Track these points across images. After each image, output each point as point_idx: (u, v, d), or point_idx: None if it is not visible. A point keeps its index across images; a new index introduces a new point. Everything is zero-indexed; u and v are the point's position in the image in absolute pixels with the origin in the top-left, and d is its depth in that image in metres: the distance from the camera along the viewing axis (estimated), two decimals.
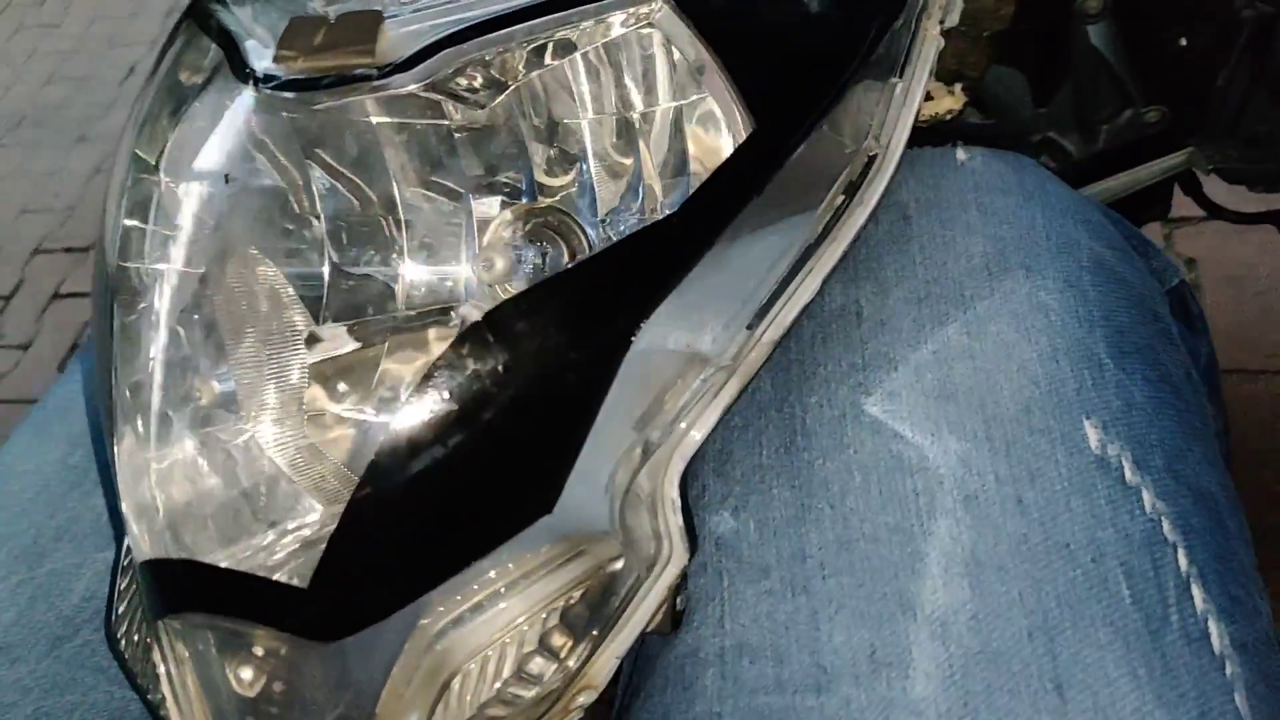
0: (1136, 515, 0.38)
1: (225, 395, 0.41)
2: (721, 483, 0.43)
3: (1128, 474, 0.39)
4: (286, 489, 0.39)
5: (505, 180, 0.43)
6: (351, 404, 0.39)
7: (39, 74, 2.53)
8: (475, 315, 0.36)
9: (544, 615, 0.37)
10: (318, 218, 0.41)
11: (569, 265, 0.39)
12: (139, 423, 0.40)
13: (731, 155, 0.38)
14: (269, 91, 0.39)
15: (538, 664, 0.38)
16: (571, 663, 0.38)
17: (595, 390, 0.37)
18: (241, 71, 0.39)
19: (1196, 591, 0.37)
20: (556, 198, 0.44)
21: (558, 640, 0.38)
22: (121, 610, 0.41)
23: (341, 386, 0.40)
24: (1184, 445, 0.41)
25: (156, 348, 0.41)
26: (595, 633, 0.38)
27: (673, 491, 0.39)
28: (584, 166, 0.43)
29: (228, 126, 0.41)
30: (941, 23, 0.45)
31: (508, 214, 0.44)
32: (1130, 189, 0.90)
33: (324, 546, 0.34)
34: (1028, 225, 0.46)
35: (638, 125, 0.42)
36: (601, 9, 0.39)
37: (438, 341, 0.39)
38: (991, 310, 0.43)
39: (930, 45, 0.44)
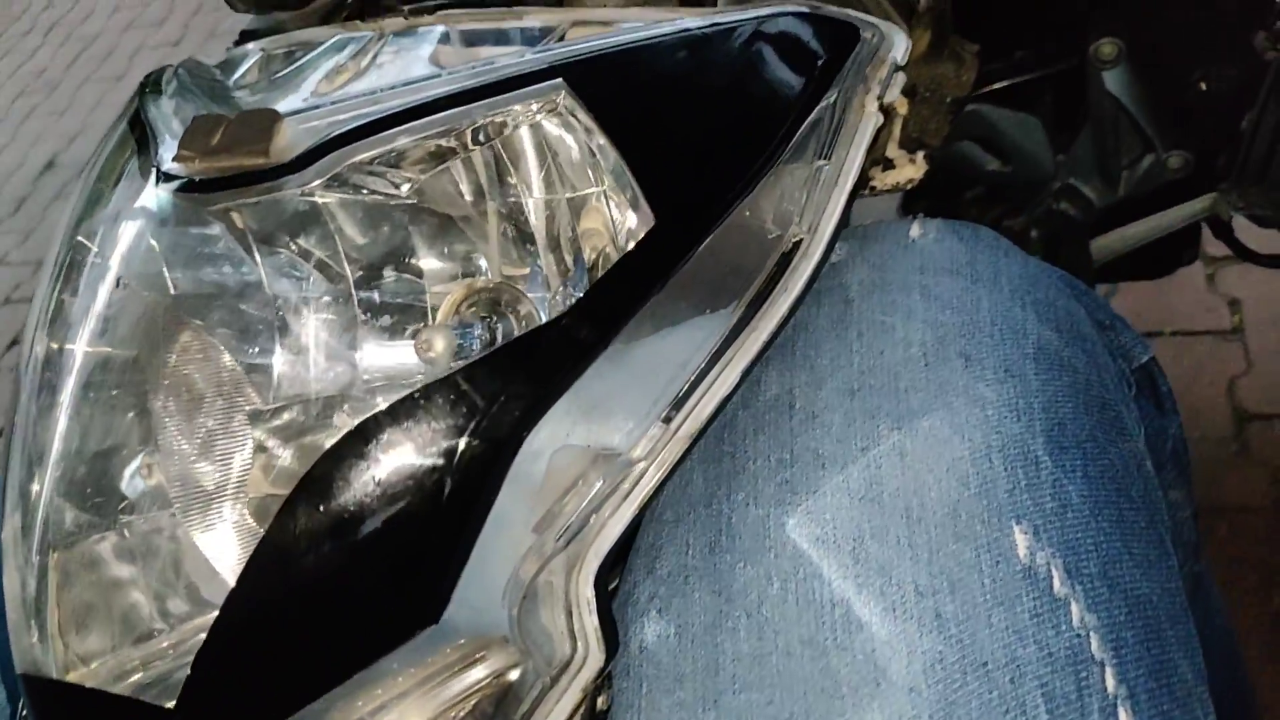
0: (1063, 630, 0.36)
1: (149, 486, 0.41)
2: (650, 581, 0.42)
3: (1056, 584, 0.37)
4: (189, 587, 0.39)
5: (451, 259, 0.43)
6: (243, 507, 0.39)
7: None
8: (350, 422, 0.36)
9: None
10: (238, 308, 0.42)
11: (451, 369, 0.38)
12: (40, 512, 0.40)
13: (632, 250, 0.37)
14: (165, 191, 0.39)
15: None
16: None
17: (482, 495, 0.36)
18: (146, 169, 0.40)
19: (1124, 715, 0.35)
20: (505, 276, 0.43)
21: None
22: None
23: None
24: (1122, 548, 0.39)
25: (70, 431, 0.41)
26: None
27: (587, 591, 0.38)
28: (531, 249, 0.43)
29: (136, 221, 0.41)
30: (881, 98, 0.44)
31: (459, 290, 0.44)
32: (1154, 235, 0.87)
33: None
34: (972, 310, 0.44)
35: (533, 214, 0.41)
36: (496, 104, 0.39)
37: (316, 445, 0.39)
38: (925, 404, 0.41)
39: (867, 122, 0.43)
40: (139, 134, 0.43)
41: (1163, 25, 0.80)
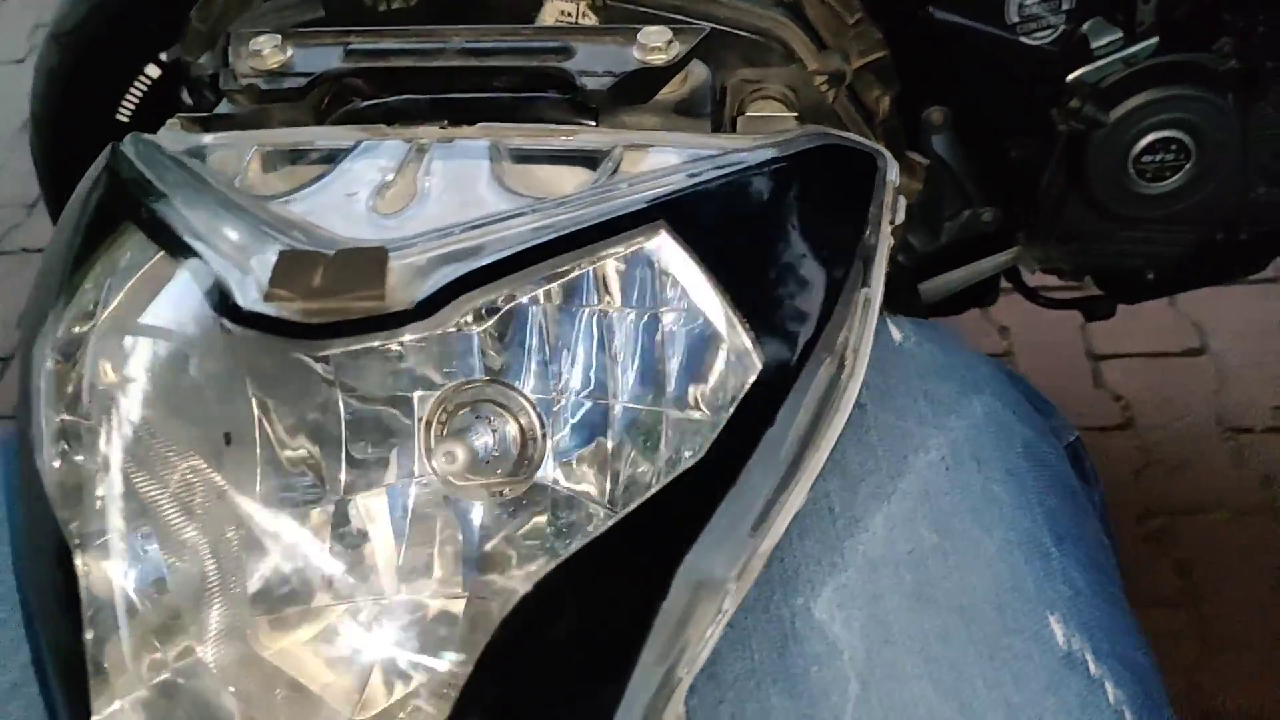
0: (1104, 709, 0.43)
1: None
2: (714, 686, 0.45)
3: (1091, 667, 0.44)
4: None
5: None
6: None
7: None
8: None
9: None
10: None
11: (605, 528, 0.39)
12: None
13: (752, 386, 0.40)
14: (255, 335, 0.38)
15: None
16: None
17: (635, 645, 0.38)
18: (231, 310, 0.38)
19: None
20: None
21: None
22: None
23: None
24: (1119, 622, 0.47)
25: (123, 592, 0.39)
26: None
27: (679, 708, 0.41)
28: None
29: (197, 357, 0.40)
30: (891, 222, 0.49)
31: (435, 396, 0.44)
32: (972, 280, 0.99)
33: None
34: (970, 415, 0.50)
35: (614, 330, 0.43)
36: (606, 246, 0.40)
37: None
38: (953, 506, 0.47)
39: (886, 246, 0.48)
40: (165, 240, 0.41)
41: (981, 98, 0.91)
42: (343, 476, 0.41)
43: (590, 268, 0.40)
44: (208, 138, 0.50)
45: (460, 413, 0.42)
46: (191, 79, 0.60)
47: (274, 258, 0.39)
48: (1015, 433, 0.50)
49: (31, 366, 0.43)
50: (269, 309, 0.38)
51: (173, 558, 0.40)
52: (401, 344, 0.39)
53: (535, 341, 0.42)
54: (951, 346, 0.54)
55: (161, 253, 0.42)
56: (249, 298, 0.38)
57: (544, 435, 0.42)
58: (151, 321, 0.41)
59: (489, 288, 0.38)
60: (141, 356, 0.42)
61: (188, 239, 0.41)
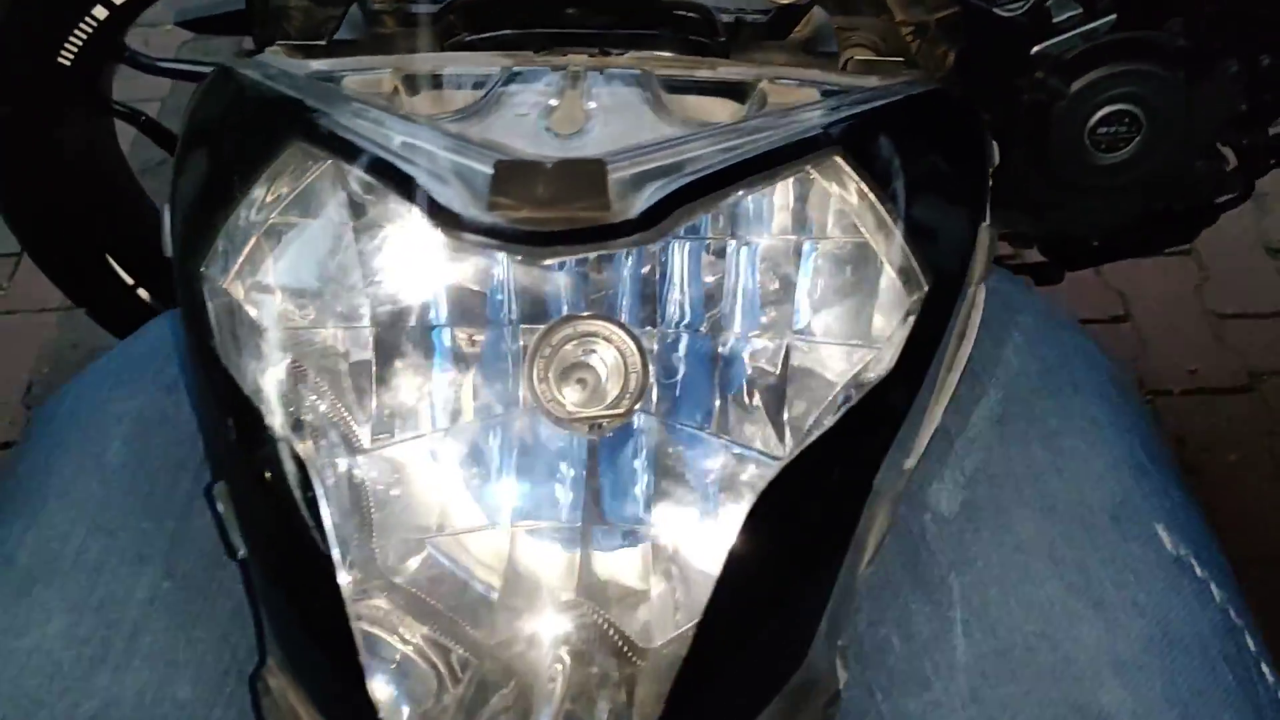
0: (1210, 607, 0.47)
1: None
2: None
3: (1197, 570, 0.48)
4: None
5: None
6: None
7: None
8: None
9: None
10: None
11: (817, 435, 0.41)
12: None
13: (923, 310, 0.43)
14: (480, 240, 0.38)
15: None
16: None
17: (844, 544, 0.40)
18: (447, 217, 0.38)
19: (1265, 669, 0.47)
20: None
21: None
22: None
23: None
24: (1207, 530, 0.51)
25: None
26: None
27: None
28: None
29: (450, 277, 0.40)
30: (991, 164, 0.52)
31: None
32: None
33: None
34: (1058, 344, 0.54)
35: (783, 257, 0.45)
36: (793, 168, 0.42)
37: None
38: (1059, 427, 0.51)
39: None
40: (347, 154, 0.40)
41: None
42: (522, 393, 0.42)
43: (773, 191, 0.42)
44: (320, 64, 0.49)
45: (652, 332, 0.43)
46: (271, 8, 0.59)
47: (481, 168, 0.39)
48: (1099, 360, 0.54)
49: (200, 292, 0.42)
50: (493, 218, 0.38)
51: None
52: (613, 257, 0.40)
53: (702, 268, 0.43)
54: (1022, 291, 0.58)
55: (335, 164, 0.41)
56: (464, 206, 0.38)
57: (723, 365, 0.43)
58: (334, 231, 0.41)
59: (705, 201, 0.40)
60: (325, 266, 0.41)
61: (377, 152, 0.40)
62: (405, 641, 0.39)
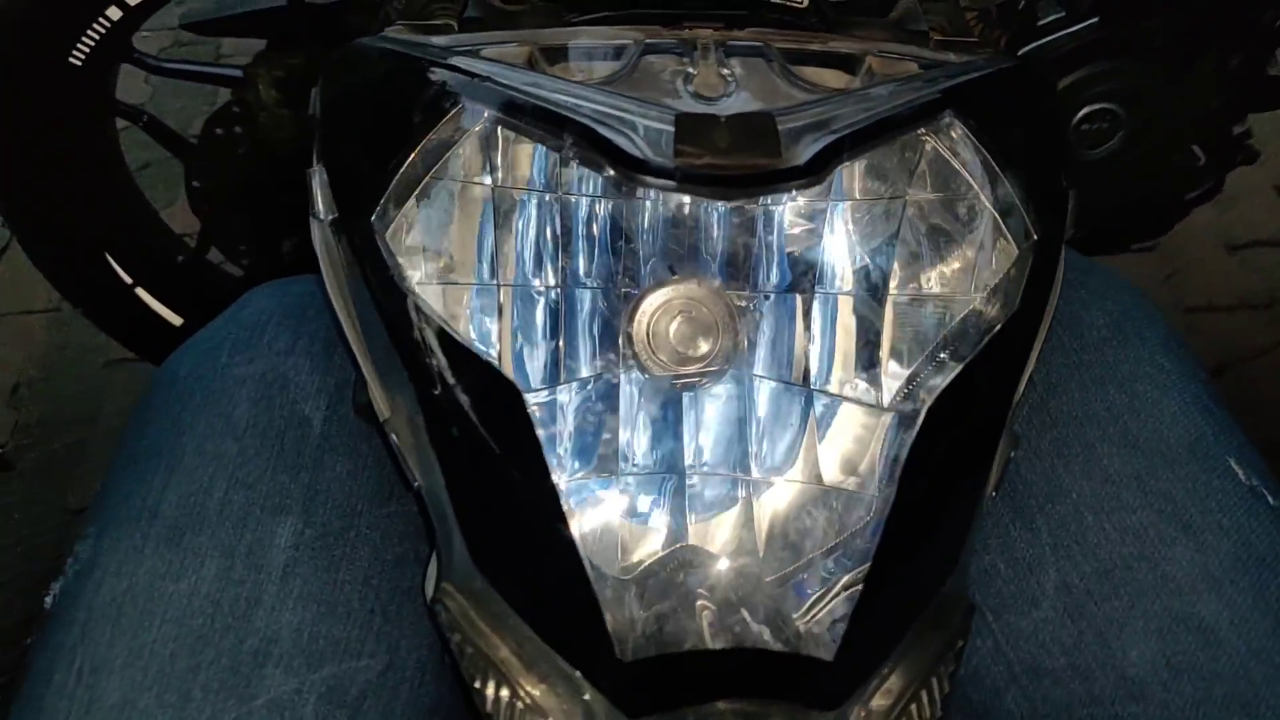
0: None
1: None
2: None
3: (1270, 499, 0.54)
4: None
5: None
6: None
7: None
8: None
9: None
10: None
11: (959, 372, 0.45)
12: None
13: (1035, 260, 0.47)
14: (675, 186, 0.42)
15: None
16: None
17: (987, 470, 0.45)
18: (636, 165, 0.42)
19: None
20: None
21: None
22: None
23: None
24: (1268, 467, 0.57)
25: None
26: None
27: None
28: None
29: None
30: None
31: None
32: None
33: (842, 621, 0.40)
34: (1121, 299, 0.59)
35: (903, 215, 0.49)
36: (926, 126, 0.46)
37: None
38: (1131, 373, 0.56)
39: None
40: (514, 112, 0.44)
41: None
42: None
43: (902, 149, 0.46)
44: (450, 39, 0.52)
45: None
46: None
47: (652, 123, 0.43)
48: (1158, 316, 0.60)
49: (373, 240, 0.45)
50: (676, 165, 0.42)
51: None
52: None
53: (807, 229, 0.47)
54: (1076, 254, 0.63)
55: (504, 120, 0.44)
56: (648, 155, 0.42)
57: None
58: (512, 181, 0.44)
59: (861, 150, 0.44)
60: (489, 220, 0.45)
61: (547, 107, 0.44)
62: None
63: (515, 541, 0.43)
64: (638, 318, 0.46)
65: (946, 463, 0.44)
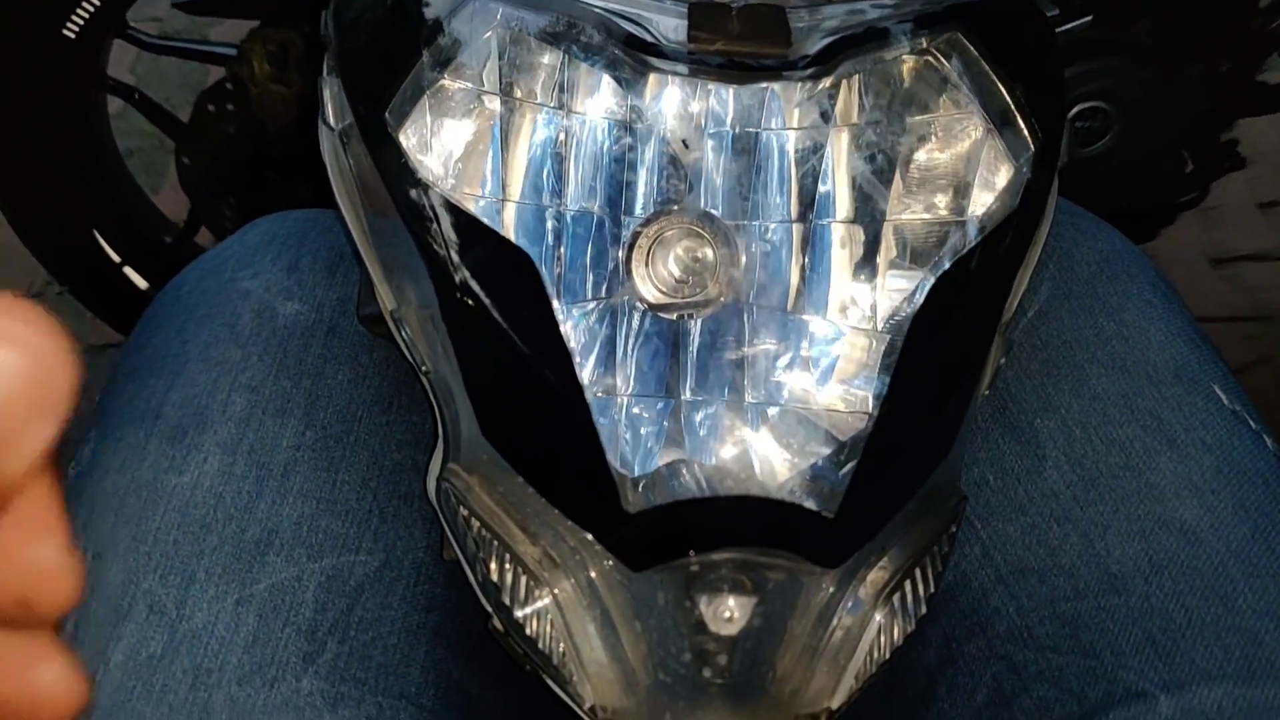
0: (1266, 452, 0.56)
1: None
2: None
3: (1251, 424, 0.57)
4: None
5: None
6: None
7: None
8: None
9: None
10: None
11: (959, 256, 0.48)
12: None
13: (1030, 179, 0.50)
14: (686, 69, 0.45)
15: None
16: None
17: (981, 364, 0.48)
18: (648, 48, 0.45)
19: None
20: None
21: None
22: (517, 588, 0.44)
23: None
24: (1248, 399, 0.60)
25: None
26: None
27: None
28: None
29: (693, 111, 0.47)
30: None
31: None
32: None
33: (846, 475, 0.42)
34: (1110, 240, 0.63)
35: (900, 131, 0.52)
36: (928, 37, 0.50)
37: None
38: (1120, 304, 0.59)
39: None
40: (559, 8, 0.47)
41: None
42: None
43: (898, 63, 0.49)
44: None
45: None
46: None
47: (672, 18, 0.46)
48: (1145, 260, 0.63)
49: (388, 133, 0.47)
50: (690, 48, 0.45)
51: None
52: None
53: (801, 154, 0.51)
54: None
55: (515, 16, 0.48)
56: (661, 40, 0.45)
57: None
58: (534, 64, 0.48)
59: (866, 49, 0.47)
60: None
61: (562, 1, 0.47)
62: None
63: (527, 405, 0.45)
64: (638, 244, 0.49)
65: (944, 349, 0.47)
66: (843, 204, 0.50)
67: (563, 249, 0.49)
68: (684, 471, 0.44)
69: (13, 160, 1.15)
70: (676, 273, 0.49)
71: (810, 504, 0.42)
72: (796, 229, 0.50)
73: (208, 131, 1.14)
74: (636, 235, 0.49)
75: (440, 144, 0.48)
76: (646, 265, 0.49)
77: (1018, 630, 0.50)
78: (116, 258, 1.20)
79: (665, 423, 0.47)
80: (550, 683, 0.46)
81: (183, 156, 1.16)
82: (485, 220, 0.46)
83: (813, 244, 0.50)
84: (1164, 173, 1.19)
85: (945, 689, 0.52)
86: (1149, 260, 0.64)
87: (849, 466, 0.44)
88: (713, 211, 0.49)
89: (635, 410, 0.46)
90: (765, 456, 0.45)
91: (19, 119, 1.13)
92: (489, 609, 0.47)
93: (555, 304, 0.45)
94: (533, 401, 0.45)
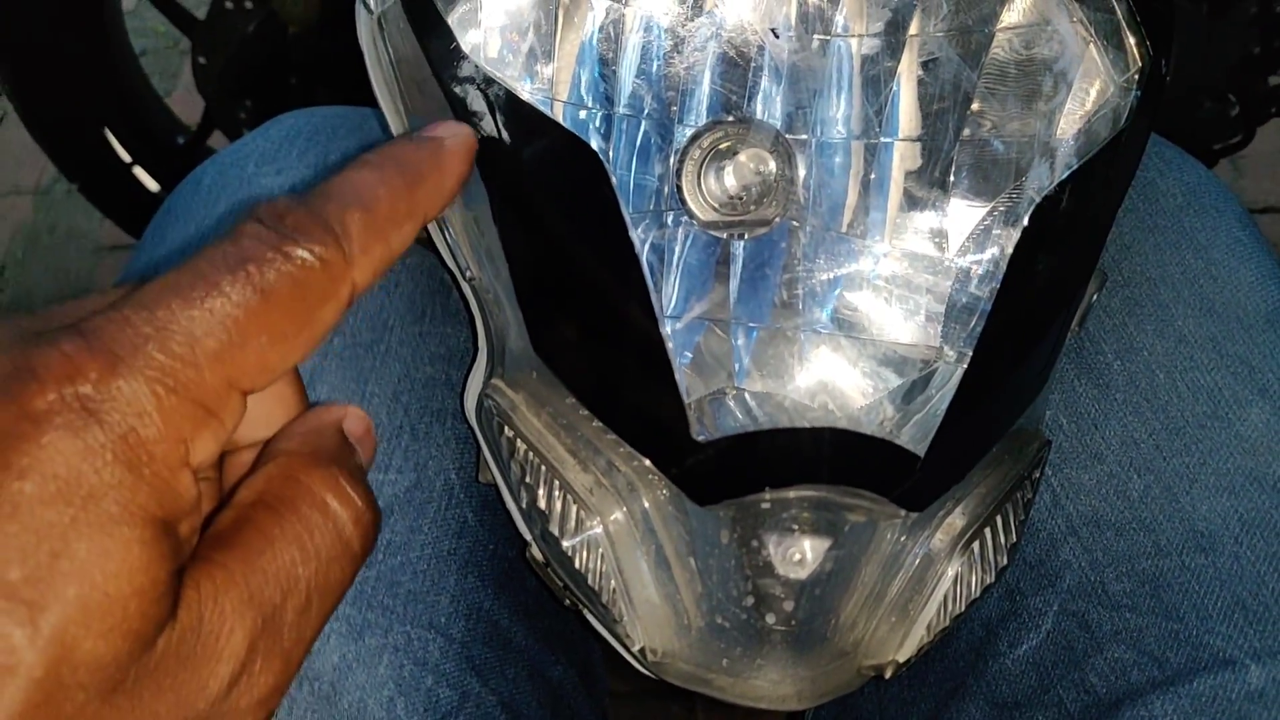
0: None
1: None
2: None
3: None
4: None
5: None
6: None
7: None
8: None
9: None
10: None
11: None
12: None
13: (1147, 82, 0.45)
14: None
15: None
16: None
17: (1078, 298, 0.43)
18: None
19: None
20: None
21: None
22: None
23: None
24: None
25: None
26: None
27: None
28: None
29: None
30: None
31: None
32: None
33: (937, 417, 0.37)
34: (1194, 172, 0.57)
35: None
36: None
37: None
38: (1207, 241, 0.54)
39: None
40: None
41: None
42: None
43: None
44: None
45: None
46: None
47: None
48: (1230, 194, 0.58)
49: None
50: None
51: None
52: None
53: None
54: None
55: None
56: None
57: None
58: None
59: None
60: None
61: None
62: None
63: (586, 319, 0.40)
64: (689, 157, 0.43)
65: (1043, 284, 0.41)
66: (915, 120, 0.44)
67: (610, 158, 0.43)
68: (756, 400, 0.39)
69: (24, 53, 1.09)
70: (734, 187, 0.43)
71: (902, 440, 0.37)
72: (860, 146, 0.44)
73: (225, 29, 1.07)
74: (690, 144, 0.43)
75: (493, 26, 0.42)
76: (699, 179, 0.43)
77: (1090, 585, 0.46)
78: (127, 157, 1.14)
79: (738, 345, 0.41)
80: (595, 622, 0.42)
81: (198, 56, 1.09)
82: (545, 111, 0.40)
83: (880, 162, 0.44)
84: (1207, 114, 1.12)
85: (1007, 644, 0.47)
86: (1233, 195, 0.59)
87: (936, 401, 0.38)
88: (773, 123, 0.43)
89: (703, 333, 0.40)
90: (843, 388, 0.40)
91: (31, 11, 1.07)
92: (530, 538, 0.42)
93: (624, 209, 0.39)
94: (594, 315, 0.39)
